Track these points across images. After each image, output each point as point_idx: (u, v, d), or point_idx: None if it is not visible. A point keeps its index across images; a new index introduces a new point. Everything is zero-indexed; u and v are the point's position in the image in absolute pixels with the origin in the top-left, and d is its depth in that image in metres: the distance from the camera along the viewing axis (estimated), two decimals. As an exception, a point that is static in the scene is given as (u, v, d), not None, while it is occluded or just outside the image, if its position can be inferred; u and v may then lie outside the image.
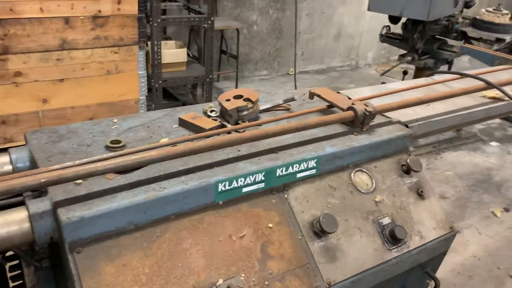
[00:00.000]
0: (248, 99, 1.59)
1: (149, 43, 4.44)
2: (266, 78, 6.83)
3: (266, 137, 1.38)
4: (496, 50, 4.98)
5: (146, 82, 4.41)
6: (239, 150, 1.40)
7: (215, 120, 1.54)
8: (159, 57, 4.41)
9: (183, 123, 1.53)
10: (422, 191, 1.59)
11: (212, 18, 4.49)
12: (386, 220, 1.47)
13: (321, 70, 7.46)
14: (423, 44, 4.50)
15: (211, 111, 1.61)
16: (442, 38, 4.67)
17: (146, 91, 4.44)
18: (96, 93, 4.11)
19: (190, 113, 1.58)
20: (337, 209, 1.42)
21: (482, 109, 2.01)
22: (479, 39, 4.78)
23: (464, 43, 5.07)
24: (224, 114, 1.58)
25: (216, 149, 1.30)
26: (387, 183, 1.56)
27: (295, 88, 6.07)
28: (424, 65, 4.53)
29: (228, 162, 1.33)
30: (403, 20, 4.61)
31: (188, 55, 5.57)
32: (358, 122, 1.60)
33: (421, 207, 1.57)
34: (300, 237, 1.31)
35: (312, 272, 1.28)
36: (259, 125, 1.54)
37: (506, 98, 2.02)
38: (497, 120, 5.75)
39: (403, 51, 4.75)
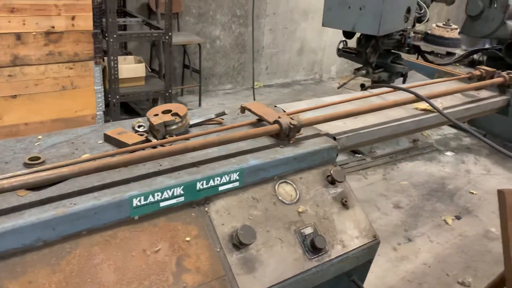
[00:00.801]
0: (176, 114, 1.62)
1: (105, 58, 4.43)
2: (230, 92, 6.89)
3: (186, 151, 1.40)
4: (449, 64, 5.18)
5: (103, 98, 4.39)
6: (160, 165, 1.41)
7: (141, 135, 1.56)
8: (116, 72, 4.41)
9: (108, 138, 1.54)
10: (346, 201, 1.64)
11: (170, 33, 4.52)
12: (308, 230, 1.51)
13: (285, 83, 7.57)
14: (376, 58, 4.63)
15: (139, 126, 1.63)
16: (396, 52, 4.83)
17: (104, 106, 4.41)
18: (50, 109, 4.07)
19: (117, 128, 1.60)
20: (258, 220, 1.45)
21: (412, 121, 2.09)
22: (431, 53, 4.95)
23: (417, 57, 5.26)
24: (152, 129, 1.60)
25: (133, 164, 1.32)
26: (311, 194, 1.60)
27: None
28: (378, 79, 4.66)
29: (146, 177, 1.34)
30: (358, 35, 4.74)
31: (150, 70, 5.58)
32: (284, 135, 1.64)
33: (345, 217, 1.62)
34: (218, 250, 1.33)
35: (228, 283, 1.29)
36: (187, 139, 1.56)
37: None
38: (453, 130, 5.94)
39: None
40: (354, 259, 1.58)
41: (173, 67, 6.31)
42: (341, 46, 5.11)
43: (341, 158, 4.90)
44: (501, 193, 1.23)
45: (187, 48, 6.18)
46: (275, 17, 7.02)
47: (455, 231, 3.78)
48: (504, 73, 2.54)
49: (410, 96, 2.11)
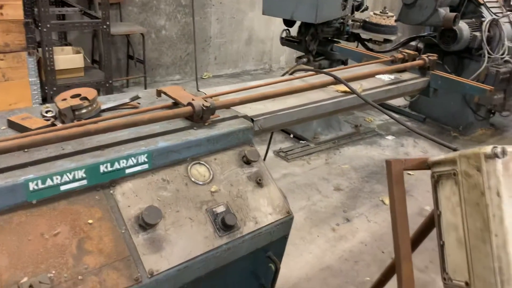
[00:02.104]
0: (85, 98, 1.59)
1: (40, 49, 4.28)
2: (179, 83, 6.82)
3: (87, 134, 1.39)
4: (388, 51, 5.34)
5: (40, 90, 4.24)
6: (63, 149, 1.39)
7: (48, 120, 1.53)
8: (52, 63, 4.26)
9: (11, 124, 1.50)
10: (260, 180, 1.67)
11: (108, 22, 4.41)
12: (220, 209, 1.53)
13: (235, 73, 7.57)
14: (316, 46, 4.72)
15: (47, 111, 1.59)
16: (335, 40, 4.93)
17: (40, 98, 4.27)
18: (-19, 103, 3.89)
19: (23, 114, 1.56)
20: (168, 201, 1.46)
21: (331, 102, 2.15)
22: (369, 40, 5.09)
23: (357, 45, 5.39)
24: (60, 114, 1.57)
25: (27, 147, 1.29)
26: (225, 174, 1.63)
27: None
28: (319, 66, 4.76)
29: (46, 160, 1.32)
30: (299, 23, 4.81)
31: (90, 61, 5.43)
32: (198, 117, 1.66)
33: (259, 195, 1.65)
34: (123, 231, 1.33)
35: (133, 264, 1.30)
36: (94, 123, 1.54)
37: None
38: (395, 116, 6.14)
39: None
40: (268, 235, 1.62)
41: (117, 58, 6.18)
42: (284, 34, 5.17)
43: (286, 144, 4.98)
44: (388, 163, 1.30)
45: (131, 39, 6.06)
46: (222, 6, 6.99)
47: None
48: (424, 56, 2.66)
49: (331, 78, 2.17)
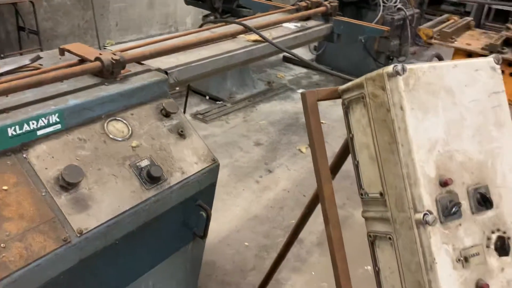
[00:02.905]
0: (-23, 62, 1.45)
1: None
2: (80, 54, 6.39)
3: (-14, 96, 1.28)
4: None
5: None
6: (-40, 116, 1.27)
7: None
8: None
9: None
10: (182, 131, 1.67)
11: (-11, -11, 3.96)
12: (144, 163, 1.51)
13: (139, 39, 7.26)
14: (222, 3, 4.67)
15: None
16: (240, -4, 4.91)
17: None
18: None
19: None
20: (88, 160, 1.41)
21: (243, 51, 2.18)
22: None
23: None
24: (-50, 81, 1.41)
25: None
26: (145, 128, 1.60)
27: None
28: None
29: None
30: (202, -20, 4.70)
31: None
32: (108, 72, 1.59)
33: (182, 146, 1.65)
34: (44, 194, 1.27)
35: (59, 225, 1.25)
36: (-6, 87, 1.41)
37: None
38: (304, 70, 6.37)
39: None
40: (196, 183, 1.64)
41: (6, 30, 5.61)
42: (187, -7, 5.03)
43: (202, 107, 4.96)
44: (302, 95, 1.37)
45: (20, 8, 5.50)
46: (117, -31, 6.58)
47: (308, 157, 4.14)
48: (326, 2, 2.76)
49: (241, 28, 2.19)
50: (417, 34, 5.04)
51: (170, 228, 1.66)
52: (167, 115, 1.67)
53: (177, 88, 5.33)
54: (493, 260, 1.17)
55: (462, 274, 1.11)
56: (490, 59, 1.26)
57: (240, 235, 3.16)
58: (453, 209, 1.10)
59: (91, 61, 1.60)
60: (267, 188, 3.69)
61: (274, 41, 2.33)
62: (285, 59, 6.50)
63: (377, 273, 1.28)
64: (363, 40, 5.82)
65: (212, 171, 1.70)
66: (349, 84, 1.30)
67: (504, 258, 1.17)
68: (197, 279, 2.03)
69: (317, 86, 5.85)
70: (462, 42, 3.45)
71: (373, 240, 1.28)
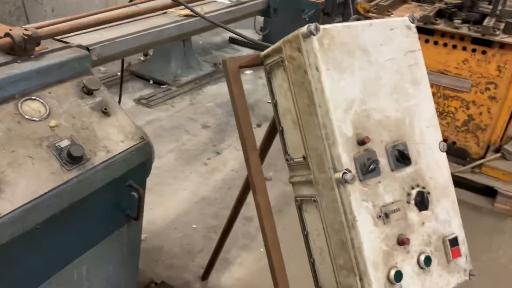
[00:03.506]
0: None
1: None
2: (15, 43, 6.04)
3: None
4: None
5: None
6: None
7: None
8: None
9: None
10: (106, 109, 1.60)
11: None
12: (64, 143, 1.44)
13: (80, 26, 6.95)
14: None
15: None
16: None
17: None
18: None
19: None
20: (0, 142, 1.32)
21: (174, 26, 2.11)
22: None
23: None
24: None
25: None
26: (65, 107, 1.51)
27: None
28: None
29: None
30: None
31: None
32: (20, 48, 1.49)
33: (107, 124, 1.58)
34: None
35: (-33, 212, 1.17)
36: None
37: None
38: (251, 51, 6.32)
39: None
40: (124, 162, 1.58)
41: None
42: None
43: (146, 92, 4.83)
44: (223, 62, 1.33)
45: None
46: (50, -50, 6.23)
47: (257, 136, 4.13)
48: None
49: (169, 2, 2.11)
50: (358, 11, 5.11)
51: (100, 211, 1.59)
52: (89, 92, 1.59)
53: (118, 74, 5.15)
54: (414, 215, 1.19)
55: (383, 230, 1.13)
56: (405, 18, 1.27)
57: (188, 218, 3.12)
58: (371, 166, 1.11)
59: (0, 37, 1.49)
60: (215, 169, 3.66)
61: (206, 15, 2.28)
62: (231, 41, 6.44)
63: (306, 237, 1.28)
64: (307, 19, 5.83)
65: (141, 150, 1.64)
66: (269, 49, 1.28)
67: (424, 212, 1.20)
68: (137, 263, 1.98)
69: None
70: (397, 14, 3.52)
71: (300, 204, 1.28)
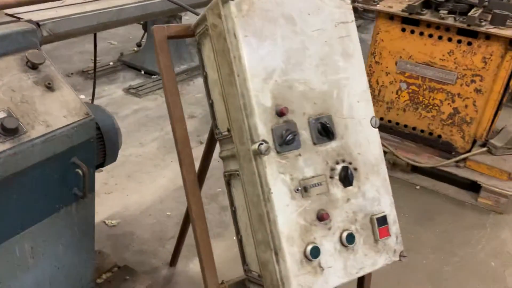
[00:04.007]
0: None
1: None
2: None
3: None
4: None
5: None
6: None
7: None
8: None
9: None
10: (50, 84, 1.58)
11: None
12: (0, 115, 1.42)
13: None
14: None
15: None
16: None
17: None
18: None
19: None
20: None
21: (136, 6, 2.08)
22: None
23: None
24: None
25: None
26: (4, 80, 1.50)
27: None
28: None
29: None
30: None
31: None
32: (-40, 20, 1.47)
33: (50, 99, 1.56)
34: None
35: None
36: None
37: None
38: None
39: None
40: (66, 138, 1.56)
41: None
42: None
43: (137, 81, 4.82)
44: (151, 30, 1.30)
45: None
46: None
47: (242, 128, 4.10)
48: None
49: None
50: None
51: (41, 187, 1.57)
52: (33, 67, 1.57)
53: (111, 63, 5.15)
54: (337, 190, 1.15)
55: (301, 204, 1.09)
56: (338, -12, 1.22)
57: (163, 205, 3.11)
58: (288, 137, 1.07)
59: None
60: (196, 159, 3.60)
61: (173, -3, 2.25)
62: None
63: (234, 213, 1.25)
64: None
65: (86, 126, 1.62)
66: (198, 17, 1.24)
67: (349, 188, 1.16)
68: (92, 244, 1.96)
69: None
70: (384, 4, 3.46)
71: (228, 180, 1.25)
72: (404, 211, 3.17)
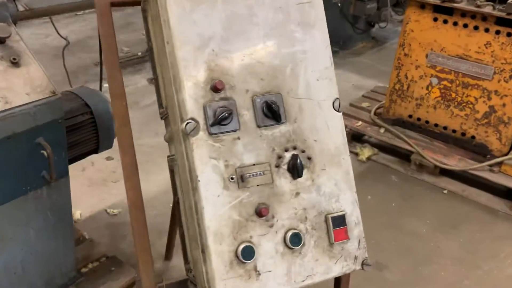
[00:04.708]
0: None
1: None
2: None
3: None
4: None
5: None
6: None
7: None
8: None
9: None
10: (15, 59, 1.51)
11: None
12: (-47, 89, 1.36)
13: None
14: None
15: None
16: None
17: None
18: None
19: None
20: None
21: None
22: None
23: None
24: None
25: None
26: (-36, 53, 1.44)
27: None
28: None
29: None
30: None
31: None
32: None
33: (13, 75, 1.49)
34: None
35: None
36: None
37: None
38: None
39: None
40: (28, 116, 1.48)
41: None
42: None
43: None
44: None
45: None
46: None
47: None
48: None
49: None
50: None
51: (3, 166, 1.50)
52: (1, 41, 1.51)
53: (139, 53, 5.16)
54: (285, 182, 0.98)
55: (236, 196, 0.93)
56: None
57: (167, 197, 2.99)
58: (222, 115, 0.91)
59: None
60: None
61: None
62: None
63: (177, 203, 1.11)
64: (339, 4, 5.57)
65: (52, 105, 1.54)
66: (143, -16, 1.11)
67: (300, 181, 0.98)
68: (70, 231, 1.88)
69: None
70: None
71: (171, 166, 1.10)
72: (426, 216, 2.90)
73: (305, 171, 0.98)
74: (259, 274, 0.92)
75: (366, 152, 3.44)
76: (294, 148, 0.98)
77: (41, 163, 1.59)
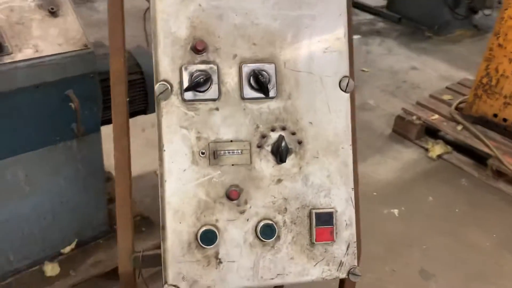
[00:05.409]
0: None
1: None
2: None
3: None
4: None
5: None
6: None
7: None
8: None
9: None
10: (53, 9, 1.51)
11: None
12: (-12, 32, 1.40)
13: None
14: None
15: None
16: None
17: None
18: None
19: None
20: None
21: None
22: None
23: None
24: None
25: None
26: None
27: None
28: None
29: None
30: None
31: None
32: None
33: (50, 24, 1.50)
34: None
35: None
36: None
37: None
38: (369, 17, 5.76)
39: None
40: (57, 66, 1.49)
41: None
42: None
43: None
44: None
45: None
46: None
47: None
48: None
49: None
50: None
51: (31, 114, 1.54)
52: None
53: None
54: (266, 166, 0.85)
55: (206, 173, 0.82)
56: None
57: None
58: (197, 80, 0.80)
59: None
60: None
61: None
62: (353, 4, 5.94)
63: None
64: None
65: (84, 59, 1.53)
66: None
67: (285, 166, 0.85)
68: (101, 186, 1.90)
69: (378, 34, 5.25)
70: (520, -29, 2.74)
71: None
72: (493, 229, 2.56)
73: (292, 156, 0.84)
74: (220, 262, 0.82)
75: (437, 149, 3.11)
76: (283, 128, 0.84)
77: (71, 115, 1.61)
